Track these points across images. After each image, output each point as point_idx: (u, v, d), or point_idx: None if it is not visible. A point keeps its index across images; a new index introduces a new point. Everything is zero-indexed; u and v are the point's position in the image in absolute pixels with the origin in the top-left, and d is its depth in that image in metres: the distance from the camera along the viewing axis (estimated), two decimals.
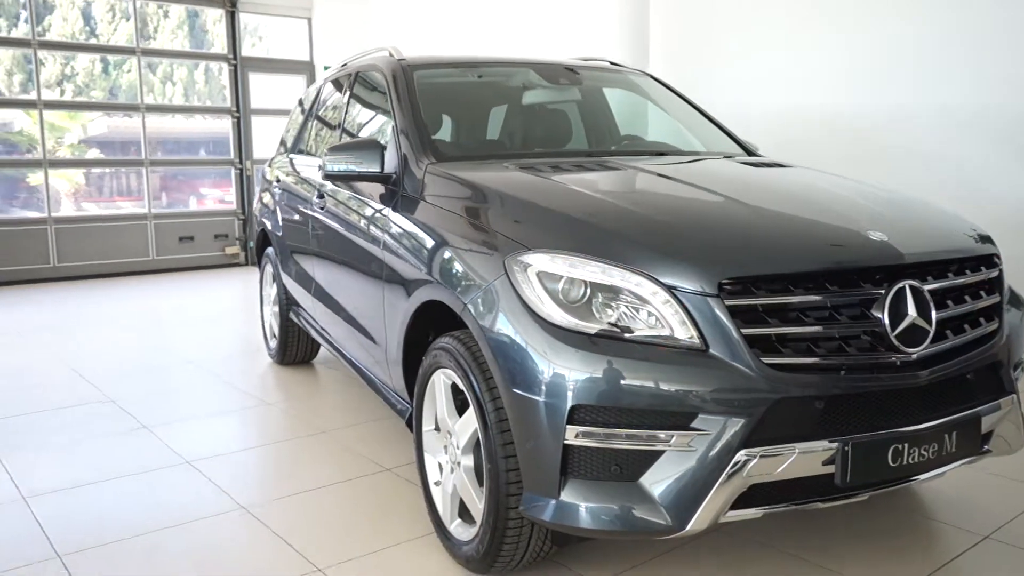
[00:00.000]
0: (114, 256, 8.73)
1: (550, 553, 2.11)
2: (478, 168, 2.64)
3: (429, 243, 2.39)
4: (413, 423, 2.48)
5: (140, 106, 8.92)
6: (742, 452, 1.72)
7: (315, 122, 4.23)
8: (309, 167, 3.87)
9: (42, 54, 8.48)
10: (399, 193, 2.71)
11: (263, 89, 9.61)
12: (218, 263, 9.38)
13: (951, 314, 1.97)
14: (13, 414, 3.77)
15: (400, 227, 2.62)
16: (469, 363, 2.05)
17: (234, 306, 6.95)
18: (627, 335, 1.80)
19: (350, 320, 3.17)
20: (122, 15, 8.92)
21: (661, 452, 1.75)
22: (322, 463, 3.08)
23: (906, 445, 1.82)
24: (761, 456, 1.72)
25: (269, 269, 4.63)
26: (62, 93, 8.79)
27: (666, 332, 1.79)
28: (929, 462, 1.87)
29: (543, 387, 1.81)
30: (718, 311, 1.77)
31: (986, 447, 2.02)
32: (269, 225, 4.47)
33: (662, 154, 3.16)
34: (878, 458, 1.80)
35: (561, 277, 1.88)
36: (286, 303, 4.31)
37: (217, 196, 9.68)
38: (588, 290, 1.86)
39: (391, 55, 3.31)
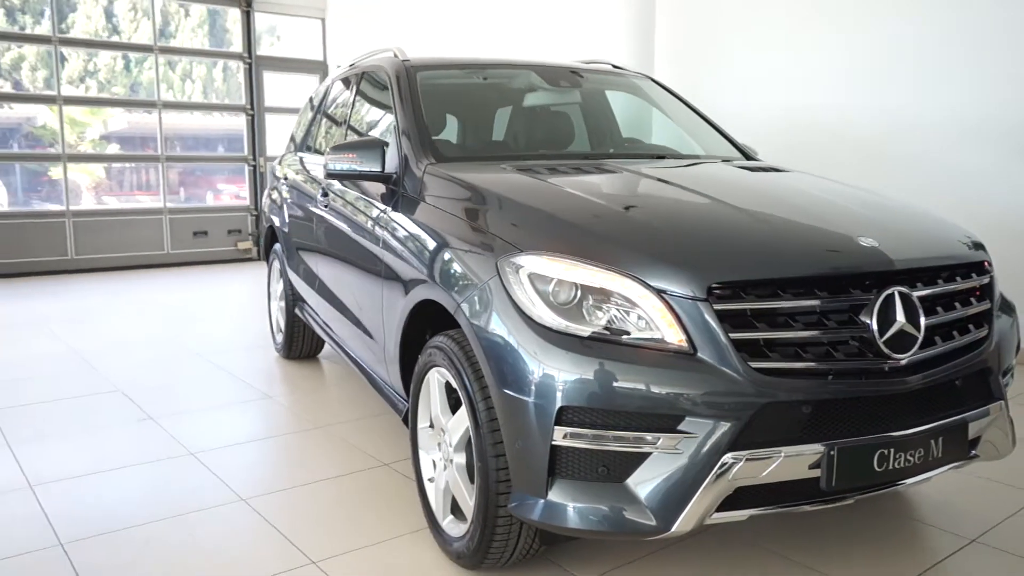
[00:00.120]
0: (130, 249, 8.86)
1: (539, 551, 2.13)
2: (475, 169, 2.67)
3: (427, 243, 2.42)
4: (409, 420, 2.52)
5: (157, 102, 9.03)
6: (728, 455, 1.73)
7: (323, 120, 4.26)
8: (316, 165, 3.91)
9: (64, 51, 8.61)
10: (399, 193, 2.74)
11: (278, 88, 9.71)
12: (231, 258, 9.49)
13: (940, 320, 1.97)
14: (24, 403, 3.85)
15: (399, 226, 2.65)
16: (462, 362, 2.07)
17: (244, 301, 7.03)
18: (616, 338, 1.82)
19: (351, 317, 3.21)
20: (144, 13, 9.03)
21: (648, 454, 1.77)
22: (322, 457, 3.12)
23: (892, 450, 1.83)
24: (747, 459, 1.74)
25: (276, 265, 4.69)
26: (86, 89, 8.92)
27: (655, 335, 1.80)
28: (915, 467, 1.87)
29: (532, 388, 1.83)
30: (707, 315, 1.78)
31: (974, 452, 2.03)
32: (277, 221, 4.52)
33: (661, 157, 3.17)
34: (864, 463, 1.81)
35: (552, 279, 1.90)
36: (292, 299, 4.36)
37: (232, 192, 9.79)
38: (578, 292, 1.87)
39: (395, 56, 3.34)
